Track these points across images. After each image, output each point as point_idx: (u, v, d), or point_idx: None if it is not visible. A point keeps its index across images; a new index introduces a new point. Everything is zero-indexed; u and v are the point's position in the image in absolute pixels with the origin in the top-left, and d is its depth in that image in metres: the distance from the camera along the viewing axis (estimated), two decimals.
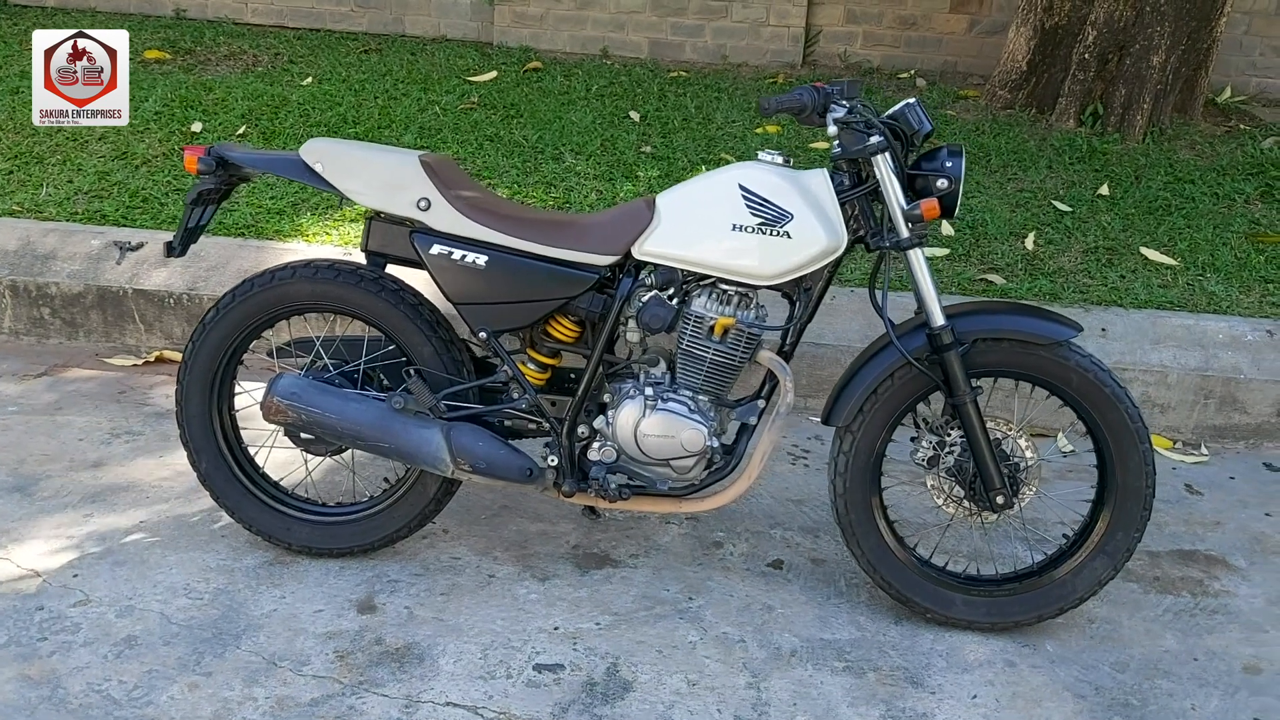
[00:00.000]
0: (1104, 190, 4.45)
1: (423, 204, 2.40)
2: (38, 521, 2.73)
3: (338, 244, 3.80)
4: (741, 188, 2.34)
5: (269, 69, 5.44)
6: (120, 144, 4.41)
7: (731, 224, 2.34)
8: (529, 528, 2.85)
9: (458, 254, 2.41)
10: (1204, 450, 3.48)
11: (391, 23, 6.29)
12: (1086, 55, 5.05)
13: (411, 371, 2.46)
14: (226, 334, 2.53)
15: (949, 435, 2.49)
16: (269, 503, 2.63)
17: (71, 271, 3.64)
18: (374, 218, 2.53)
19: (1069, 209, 4.30)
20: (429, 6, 6.26)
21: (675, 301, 2.43)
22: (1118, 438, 2.42)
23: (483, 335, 2.45)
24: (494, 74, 5.48)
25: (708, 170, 2.37)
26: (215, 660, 2.31)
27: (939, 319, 2.36)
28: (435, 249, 2.41)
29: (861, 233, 2.41)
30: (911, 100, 2.38)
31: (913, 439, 2.56)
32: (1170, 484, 3.28)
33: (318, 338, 2.58)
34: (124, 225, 3.82)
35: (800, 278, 2.42)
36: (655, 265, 2.43)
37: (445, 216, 2.40)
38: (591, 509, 2.79)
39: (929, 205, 2.27)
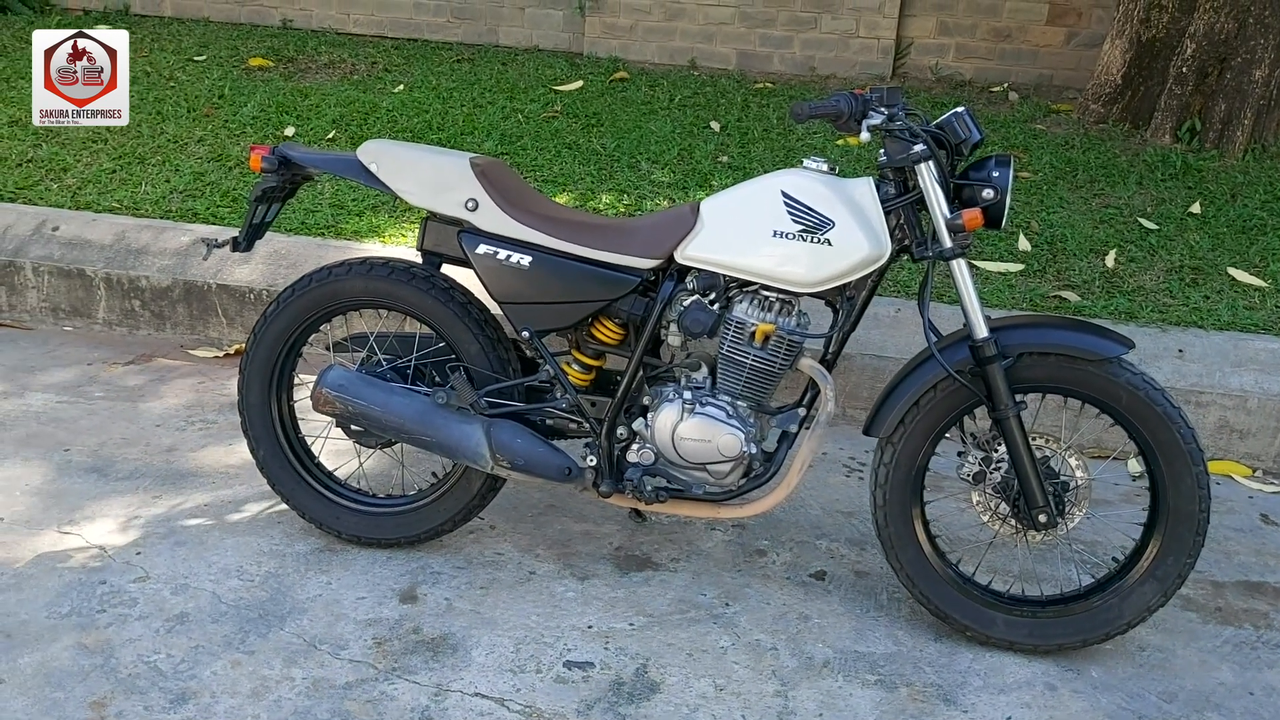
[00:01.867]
0: (1195, 208, 4.30)
1: (470, 205, 2.46)
2: (110, 501, 2.87)
3: (411, 245, 3.90)
4: (784, 194, 2.35)
5: (364, 77, 5.61)
6: (217, 146, 4.61)
7: (773, 230, 2.34)
8: (573, 527, 2.88)
9: (503, 254, 2.46)
10: None
11: (486, 33, 6.44)
12: (1184, 69, 4.89)
13: (454, 368, 2.52)
14: (285, 327, 2.63)
15: (995, 451, 2.45)
16: (321, 492, 2.72)
17: (161, 266, 3.82)
18: (429, 218, 2.60)
19: (1156, 226, 4.17)
20: (522, 18, 6.39)
21: (717, 307, 2.44)
22: (1170, 459, 2.34)
23: (525, 334, 2.50)
24: (580, 83, 5.56)
25: None
26: (259, 640, 2.40)
27: (981, 331, 2.32)
28: (481, 249, 2.47)
29: (907, 242, 2.39)
30: (960, 109, 2.36)
31: (960, 453, 2.52)
32: (1245, 513, 3.16)
33: (371, 333, 2.66)
34: (213, 223, 4.00)
35: (843, 286, 2.41)
36: (698, 270, 2.44)
37: (491, 217, 2.45)
38: (637, 512, 2.82)
39: (971, 215, 2.23)
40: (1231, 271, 3.86)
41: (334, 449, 2.84)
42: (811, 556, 2.83)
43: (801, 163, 2.42)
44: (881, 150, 2.36)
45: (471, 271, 2.54)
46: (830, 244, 2.32)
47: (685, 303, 2.45)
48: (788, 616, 2.58)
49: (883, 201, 2.35)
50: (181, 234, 3.92)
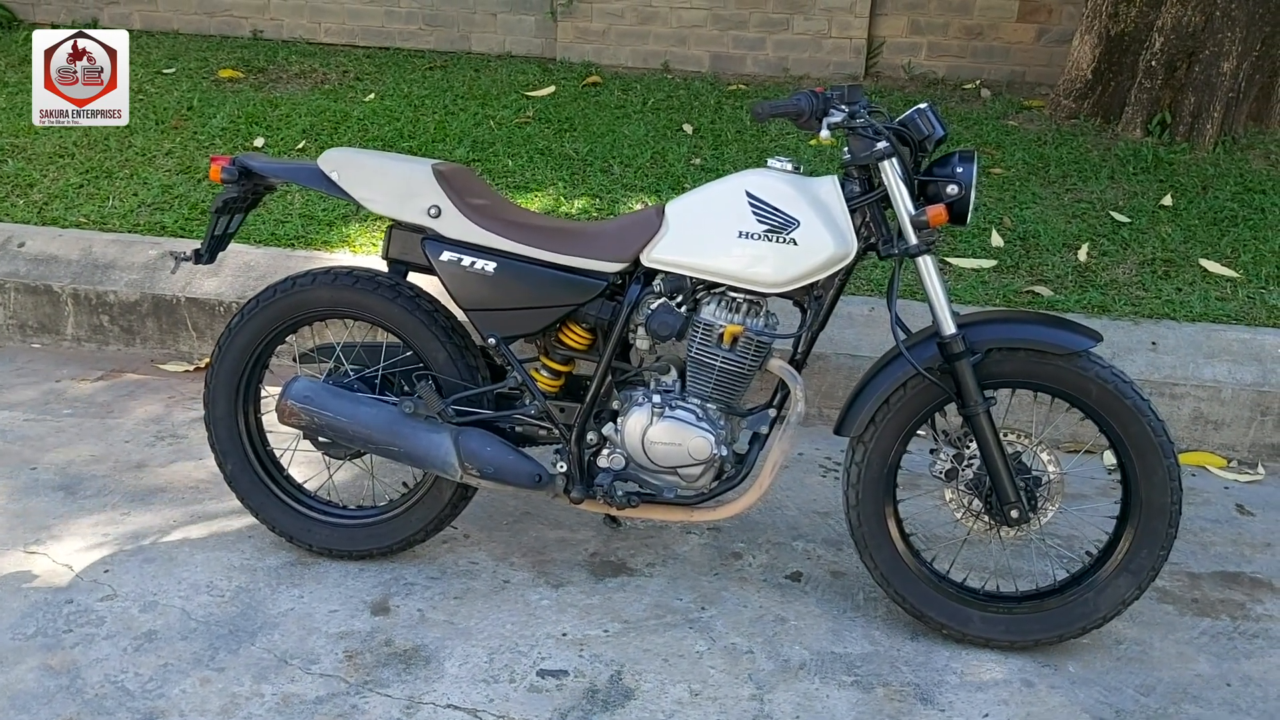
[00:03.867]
0: (1167, 201, 4.31)
1: (433, 211, 2.44)
2: (77, 519, 2.84)
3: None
4: (748, 195, 2.33)
5: (336, 86, 5.58)
6: (186, 159, 4.57)
7: (738, 231, 2.33)
8: (548, 534, 2.86)
9: (467, 260, 2.44)
10: (1260, 469, 3.34)
11: (458, 40, 6.41)
12: (1154, 63, 4.90)
13: (422, 377, 2.50)
14: (251, 338, 2.60)
15: (967, 448, 2.44)
16: (291, 504, 2.69)
17: (129, 280, 3.78)
18: (394, 226, 2.58)
19: (1128, 220, 4.18)
20: (494, 24, 6.37)
21: (684, 309, 2.43)
22: (1141, 451, 2.34)
23: (491, 341, 2.48)
24: (552, 88, 5.55)
25: None
26: (229, 656, 2.37)
27: (949, 328, 2.31)
28: (445, 255, 2.45)
29: (873, 240, 2.38)
30: (923, 105, 2.35)
31: (931, 451, 2.51)
32: (1221, 504, 3.16)
33: (338, 343, 2.63)
34: (181, 236, 3.96)
35: (810, 285, 2.40)
36: (665, 273, 2.43)
37: (455, 223, 2.43)
38: (612, 518, 2.80)
39: (935, 212, 2.22)
40: (1203, 263, 3.87)
41: (304, 461, 2.81)
42: (788, 558, 2.81)
43: (766, 162, 2.41)
44: (845, 148, 2.35)
45: (437, 279, 2.52)
46: (796, 243, 2.31)
47: (652, 306, 2.43)
48: (764, 619, 2.56)
49: (848, 199, 2.34)
50: (149, 247, 3.89)
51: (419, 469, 2.53)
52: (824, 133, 2.25)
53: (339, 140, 4.76)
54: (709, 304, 2.42)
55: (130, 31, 6.53)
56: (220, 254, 2.70)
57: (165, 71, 5.68)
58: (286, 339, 2.67)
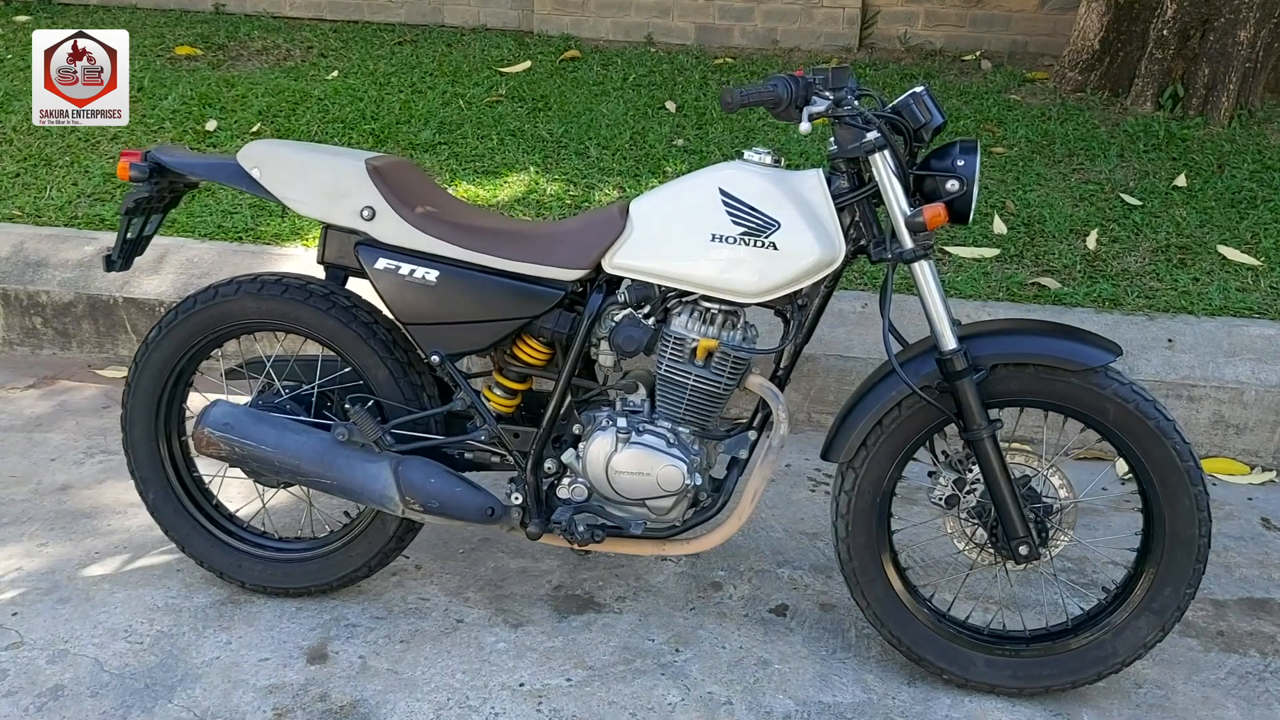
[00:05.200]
0: (1180, 181, 4.03)
1: (366, 213, 2.16)
2: None
3: None
4: (722, 192, 2.06)
5: (298, 63, 5.28)
6: (132, 143, 4.28)
7: (711, 234, 2.06)
8: (509, 564, 2.60)
9: (405, 268, 2.16)
10: None
11: (430, 12, 6.09)
12: (1165, 31, 4.60)
13: (359, 399, 2.23)
14: (170, 354, 2.33)
15: (970, 472, 2.17)
16: (220, 537, 2.43)
17: (63, 279, 3.50)
18: (329, 226, 2.30)
19: (1139, 203, 3.90)
20: None
21: (652, 321, 2.16)
22: (1165, 478, 2.07)
23: (435, 359, 2.21)
24: (528, 64, 5.24)
25: None
26: (142, 716, 2.11)
27: (950, 342, 2.04)
28: (381, 263, 2.17)
29: (863, 242, 2.10)
30: (919, 89, 2.07)
31: (930, 474, 2.24)
32: (1245, 518, 2.90)
33: (268, 358, 2.36)
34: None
35: (793, 293, 2.12)
36: (629, 280, 2.15)
37: (391, 227, 2.16)
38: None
39: (933, 212, 1.95)
40: (1221, 250, 3.60)
41: (237, 485, 2.54)
42: (772, 588, 2.55)
43: (742, 154, 2.13)
44: (831, 138, 2.07)
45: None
46: (776, 248, 2.03)
47: (616, 318, 2.16)
48: (745, 662, 2.30)
49: (834, 196, 2.06)
50: (85, 243, 3.60)
51: (354, 502, 2.26)
52: (804, 125, 1.97)
53: (296, 123, 4.46)
54: (680, 315, 2.15)
55: (85, 6, 6.25)
56: (137, 259, 2.43)
57: None
58: (211, 354, 2.40)
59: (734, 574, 2.60)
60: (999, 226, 3.75)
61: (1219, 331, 3.22)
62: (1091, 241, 3.66)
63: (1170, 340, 3.19)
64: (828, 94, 1.96)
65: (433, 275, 2.16)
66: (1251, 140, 4.39)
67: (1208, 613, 2.51)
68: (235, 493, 2.56)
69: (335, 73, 5.05)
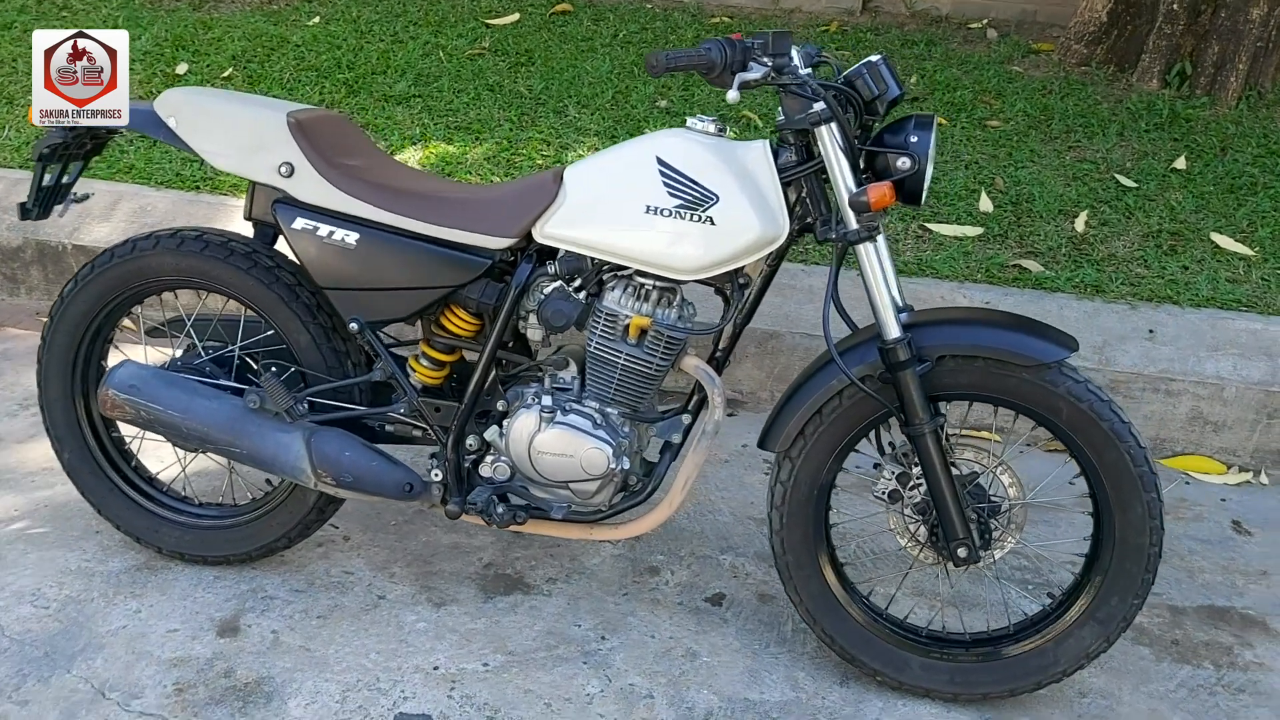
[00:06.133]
0: (1180, 163, 3.87)
1: (284, 169, 2.05)
2: None
3: None
4: (659, 162, 1.93)
5: (281, 7, 5.12)
6: None
7: (645, 205, 1.93)
8: (441, 539, 2.50)
9: (324, 230, 2.05)
10: (1264, 478, 2.96)
11: None
12: (1175, 6, 4.41)
13: (272, 365, 2.12)
14: (87, 309, 2.23)
15: (915, 466, 2.06)
16: (138, 500, 2.34)
17: (10, 224, 3.40)
18: (255, 183, 2.18)
19: (1135, 184, 3.74)
20: None
21: (584, 295, 2.04)
22: (1117, 483, 1.96)
23: (354, 326, 2.10)
24: (516, 16, 5.08)
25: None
26: (38, 686, 2.03)
27: (893, 331, 1.92)
28: (298, 223, 2.06)
29: (810, 219, 1.97)
30: (875, 58, 1.93)
31: (875, 466, 2.13)
32: (1215, 519, 2.78)
33: (188, 317, 2.26)
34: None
35: (734, 271, 2.00)
36: (562, 251, 2.04)
37: (310, 185, 2.04)
38: None
39: (878, 193, 1.82)
40: (1215, 237, 3.45)
41: (162, 449, 2.45)
42: (712, 575, 2.45)
43: (685, 122, 2.00)
44: (780, 108, 1.94)
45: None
46: (714, 222, 1.91)
47: (546, 290, 2.05)
48: (672, 654, 2.21)
49: (781, 170, 1.94)
50: None
51: (264, 473, 2.16)
52: (732, 93, 1.83)
53: (270, 69, 4.33)
54: (613, 290, 2.04)
55: None
56: (58, 208, 2.31)
57: None
58: (132, 310, 2.30)
59: (674, 559, 2.50)
60: (985, 204, 3.60)
61: (1203, 324, 3.08)
62: (1080, 224, 3.52)
63: (1151, 331, 3.06)
64: (766, 60, 1.82)
65: (352, 238, 2.04)
66: (1258, 123, 4.22)
67: (1164, 619, 2.40)
68: (158, 455, 2.47)
69: (316, 19, 4.90)
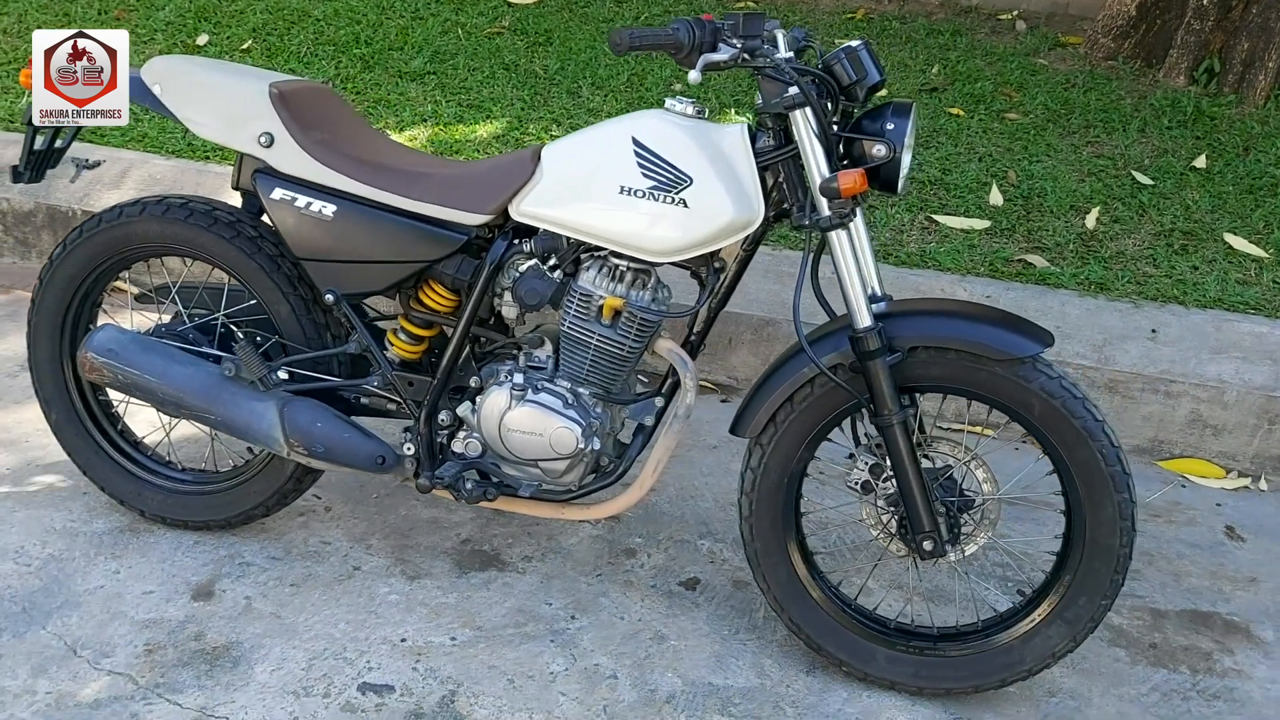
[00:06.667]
0: (1200, 162, 3.80)
1: (264, 139, 2.06)
2: None
3: None
4: (635, 142, 1.93)
5: None
6: None
7: (620, 186, 1.93)
8: (420, 514, 2.52)
9: (301, 201, 2.06)
10: (1263, 484, 2.91)
11: None
12: (1205, 1, 4.32)
13: (250, 334, 2.14)
14: (75, 273, 2.26)
15: (888, 458, 2.04)
16: (122, 463, 2.38)
17: (23, 188, 3.44)
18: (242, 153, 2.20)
19: (1151, 182, 3.68)
20: None
21: (559, 274, 2.04)
22: (1088, 482, 1.93)
23: (330, 298, 2.11)
24: None
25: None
26: (12, 641, 2.07)
27: (863, 320, 1.90)
28: (277, 193, 2.08)
29: (786, 205, 1.96)
30: (855, 42, 1.91)
31: (849, 456, 2.12)
32: (1208, 524, 2.74)
33: (174, 284, 2.28)
34: (90, 142, 3.61)
35: (710, 254, 1.99)
36: (538, 229, 2.04)
37: (288, 156, 2.05)
38: None
39: (849, 179, 1.80)
40: (1228, 238, 3.39)
41: (150, 413, 2.48)
42: (688, 559, 2.45)
43: (664, 103, 1.99)
44: (758, 92, 1.92)
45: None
46: (686, 205, 1.90)
47: (521, 268, 2.05)
48: (640, 636, 2.21)
49: (758, 154, 1.92)
50: None
51: (241, 441, 2.18)
52: (693, 74, 1.82)
53: (289, 42, 4.36)
54: (588, 270, 2.03)
55: None
56: (50, 171, 2.35)
57: None
58: (120, 275, 2.33)
59: (651, 542, 2.50)
60: (995, 197, 3.56)
61: (1208, 325, 3.03)
62: (1091, 220, 3.46)
63: (1154, 331, 3.01)
64: (735, 42, 1.81)
65: (329, 210, 2.05)
66: None
67: (1144, 622, 2.37)
68: (145, 420, 2.50)
69: None
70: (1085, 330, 2.99)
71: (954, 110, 4.10)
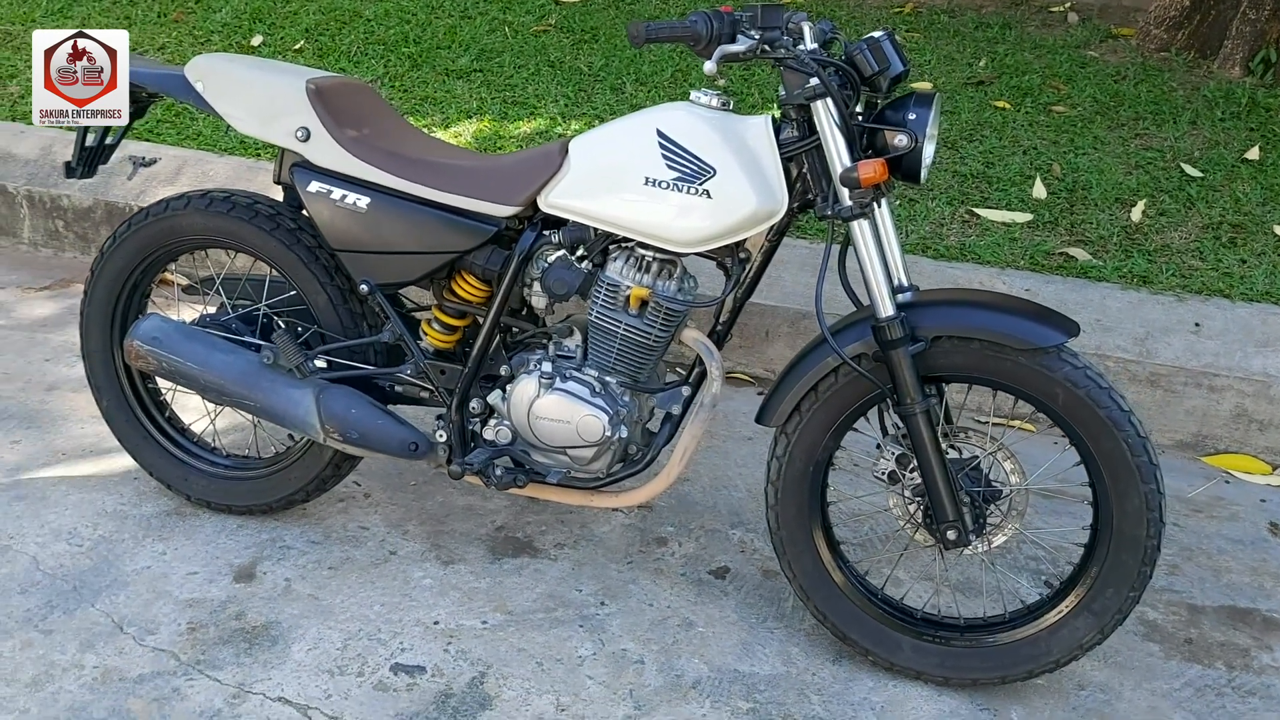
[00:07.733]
0: (1252, 154, 3.73)
1: (300, 134, 2.12)
2: None
3: None
4: (659, 134, 1.95)
5: None
6: (179, 54, 4.33)
7: (645, 177, 1.96)
8: (456, 501, 2.57)
9: (337, 193, 2.12)
10: None
11: None
12: None
13: (289, 324, 2.21)
14: (124, 265, 2.35)
15: None
16: (170, 449, 2.46)
17: (83, 185, 3.57)
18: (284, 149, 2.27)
19: (1200, 174, 3.62)
20: None
21: (587, 264, 2.08)
22: (1114, 473, 1.92)
23: (364, 288, 2.17)
24: None
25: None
26: (62, 617, 2.15)
27: (885, 309, 1.91)
28: (313, 186, 2.14)
29: (810, 195, 1.97)
30: (878, 33, 1.92)
31: (877, 446, 2.13)
32: (1251, 520, 2.70)
33: (217, 276, 2.36)
34: (148, 140, 3.72)
35: (735, 244, 2.02)
36: (567, 221, 2.07)
37: (324, 149, 2.11)
38: None
39: (869, 169, 1.81)
40: (1279, 230, 3.32)
41: (197, 400, 2.56)
42: (718, 549, 2.47)
43: (689, 95, 2.02)
44: (781, 84, 1.94)
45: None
46: (710, 196, 1.93)
47: (549, 259, 2.09)
48: (668, 622, 2.24)
49: (782, 145, 1.94)
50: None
51: (279, 427, 2.25)
52: (709, 65, 1.84)
53: (341, 42, 4.45)
54: (616, 261, 2.07)
55: None
56: (105, 167, 2.44)
57: None
58: (168, 267, 2.41)
59: (683, 531, 2.53)
60: (1039, 190, 3.53)
61: (1253, 319, 2.98)
62: (1137, 213, 3.42)
63: (1197, 324, 2.97)
64: (754, 34, 1.83)
65: (364, 202, 2.11)
66: None
67: (1180, 618, 2.34)
68: (192, 408, 2.58)
69: None
70: (1126, 323, 2.96)
71: (1000, 103, 4.06)
